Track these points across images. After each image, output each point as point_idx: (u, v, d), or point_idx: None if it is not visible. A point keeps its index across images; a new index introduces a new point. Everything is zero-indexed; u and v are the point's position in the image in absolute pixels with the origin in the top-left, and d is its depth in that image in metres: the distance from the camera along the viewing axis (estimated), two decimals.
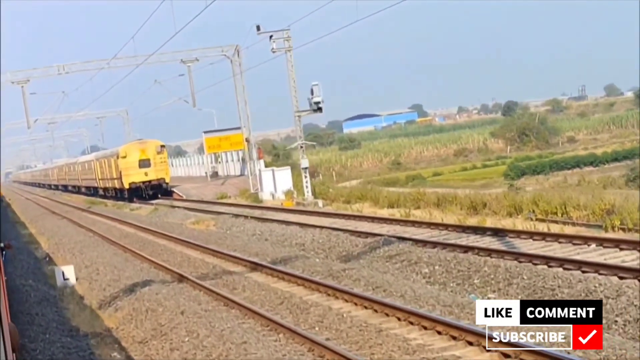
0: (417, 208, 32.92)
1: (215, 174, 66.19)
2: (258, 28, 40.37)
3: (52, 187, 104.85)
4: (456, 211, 30.43)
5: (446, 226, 23.53)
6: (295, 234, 26.45)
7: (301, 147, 41.15)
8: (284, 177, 48.33)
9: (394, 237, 21.87)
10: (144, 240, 31.10)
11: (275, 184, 48.21)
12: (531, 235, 20.00)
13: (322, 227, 26.65)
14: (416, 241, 20.84)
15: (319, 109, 40.29)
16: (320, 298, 15.98)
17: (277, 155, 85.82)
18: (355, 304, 14.83)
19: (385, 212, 33.13)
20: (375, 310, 14.13)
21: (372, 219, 28.12)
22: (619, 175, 65.25)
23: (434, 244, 20.09)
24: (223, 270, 21.28)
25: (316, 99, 39.90)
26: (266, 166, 52.12)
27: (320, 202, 39.63)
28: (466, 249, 18.76)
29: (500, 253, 17.66)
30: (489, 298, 14.77)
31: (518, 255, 17.10)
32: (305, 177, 40.73)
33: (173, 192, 58.09)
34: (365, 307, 14.49)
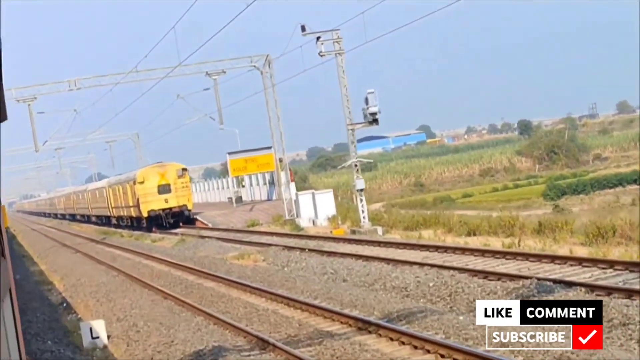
0: (509, 236, 27.28)
1: (239, 199, 60.31)
2: (303, 28, 34.71)
3: (59, 216, 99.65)
4: (568, 239, 24.81)
5: (609, 263, 17.39)
6: (384, 273, 20.60)
7: (355, 165, 35.36)
8: (325, 201, 43.00)
9: (546, 279, 15.98)
10: (184, 282, 25.28)
11: (316, 209, 42.79)
12: None
13: (420, 265, 20.78)
14: (590, 287, 14.93)
15: (375, 121, 34.52)
16: None
17: None
18: None
19: (473, 242, 27.32)
20: None
21: (482, 252, 22.13)
22: None
23: (627, 292, 14.13)
24: (317, 331, 15.47)
25: (372, 109, 34.13)
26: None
27: (379, 230, 33.89)
28: None
29: None
30: None
31: None
32: (361, 200, 34.91)
33: (196, 219, 52.36)
34: None
